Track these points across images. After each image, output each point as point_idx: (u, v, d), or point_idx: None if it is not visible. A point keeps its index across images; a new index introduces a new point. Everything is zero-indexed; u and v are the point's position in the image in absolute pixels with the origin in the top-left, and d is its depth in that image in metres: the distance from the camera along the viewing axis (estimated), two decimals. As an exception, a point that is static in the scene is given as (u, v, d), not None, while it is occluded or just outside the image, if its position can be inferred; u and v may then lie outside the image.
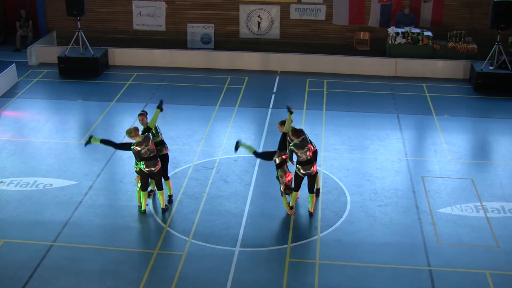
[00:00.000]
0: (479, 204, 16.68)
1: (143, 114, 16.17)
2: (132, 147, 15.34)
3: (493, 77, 24.61)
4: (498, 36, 24.69)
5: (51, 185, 17.36)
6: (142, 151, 15.26)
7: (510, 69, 24.63)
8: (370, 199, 16.78)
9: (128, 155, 18.76)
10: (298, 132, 15.48)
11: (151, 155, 15.35)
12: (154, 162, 15.42)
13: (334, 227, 15.62)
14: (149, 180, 15.81)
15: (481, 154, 19.85)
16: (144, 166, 15.37)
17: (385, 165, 18.61)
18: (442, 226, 15.67)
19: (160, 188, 15.86)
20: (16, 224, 15.61)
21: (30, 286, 13.39)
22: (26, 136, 20.30)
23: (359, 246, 15.02)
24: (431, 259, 14.42)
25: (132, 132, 15.33)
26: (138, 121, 16.36)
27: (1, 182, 17.42)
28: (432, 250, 14.75)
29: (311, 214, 15.98)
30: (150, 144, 15.34)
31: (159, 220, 15.78)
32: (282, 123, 15.95)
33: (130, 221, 15.79)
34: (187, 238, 15.08)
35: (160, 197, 16.00)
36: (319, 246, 14.86)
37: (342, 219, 15.91)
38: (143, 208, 16.01)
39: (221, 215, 16.03)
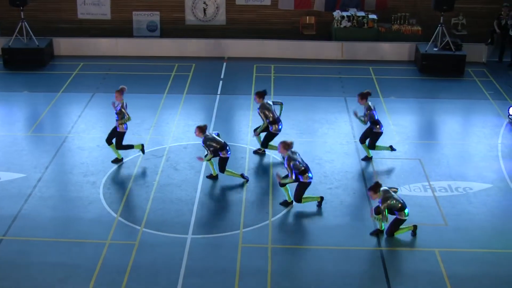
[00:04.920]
0: (427, 183, 16.94)
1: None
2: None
3: (437, 58, 24.98)
4: (441, 17, 25.03)
5: (-1, 178, 17.17)
6: None
7: (454, 50, 24.99)
8: (320, 182, 16.91)
9: (77, 146, 18.60)
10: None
11: None
12: None
13: (284, 211, 15.73)
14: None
15: (428, 134, 20.15)
16: None
17: (334, 148, 18.77)
18: (392, 207, 15.87)
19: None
20: (-35, 219, 15.41)
21: (-19, 281, 13.27)
22: (-29, 130, 20.00)
23: (310, 229, 15.17)
24: (382, 240, 14.61)
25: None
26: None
27: None
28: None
29: None
30: None
31: (110, 210, 15.69)
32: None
33: (81, 212, 15.68)
34: (138, 227, 15.04)
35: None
36: (271, 231, 14.95)
37: (293, 203, 16.00)
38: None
39: (172, 203, 16.03)
